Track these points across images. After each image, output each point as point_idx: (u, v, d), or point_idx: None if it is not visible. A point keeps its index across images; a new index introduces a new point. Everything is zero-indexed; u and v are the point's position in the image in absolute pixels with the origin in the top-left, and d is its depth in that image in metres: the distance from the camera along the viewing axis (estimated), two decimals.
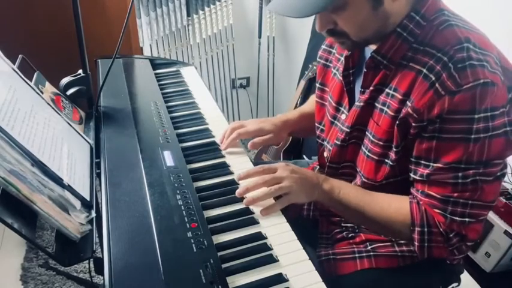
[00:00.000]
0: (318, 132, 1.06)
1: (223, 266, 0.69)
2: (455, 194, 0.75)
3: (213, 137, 1.08)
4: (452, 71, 0.70)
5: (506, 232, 1.52)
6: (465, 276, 1.00)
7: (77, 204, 0.76)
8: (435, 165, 0.75)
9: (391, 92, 0.79)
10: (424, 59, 0.75)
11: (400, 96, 0.77)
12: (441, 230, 0.77)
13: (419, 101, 0.73)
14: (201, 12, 2.26)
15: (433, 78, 0.72)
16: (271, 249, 0.74)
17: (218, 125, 1.12)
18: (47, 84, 1.04)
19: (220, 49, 2.44)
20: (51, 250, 0.69)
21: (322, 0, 0.70)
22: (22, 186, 0.68)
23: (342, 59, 0.92)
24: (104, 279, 0.65)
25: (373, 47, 0.84)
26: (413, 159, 0.79)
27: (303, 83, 2.13)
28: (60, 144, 0.84)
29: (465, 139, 0.71)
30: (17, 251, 1.76)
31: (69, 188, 0.76)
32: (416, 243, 0.79)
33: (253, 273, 0.69)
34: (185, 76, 1.43)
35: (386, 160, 0.83)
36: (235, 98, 2.64)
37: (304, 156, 2.20)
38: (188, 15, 2.25)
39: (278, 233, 0.78)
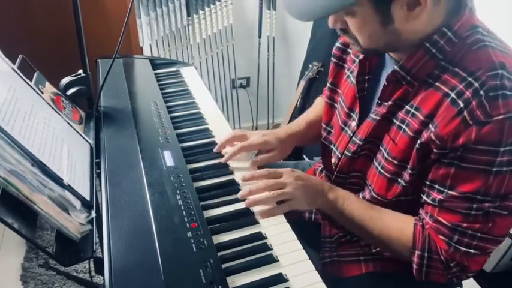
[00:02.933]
0: (324, 133, 1.02)
1: (223, 266, 0.69)
2: (465, 224, 0.72)
3: (213, 137, 1.08)
4: (483, 100, 0.66)
5: None
6: None
7: (77, 204, 0.76)
8: (450, 192, 0.72)
9: (411, 110, 0.75)
10: (452, 81, 0.70)
11: (422, 117, 0.73)
12: (442, 257, 0.75)
13: (444, 127, 0.69)
14: (201, 12, 2.26)
15: (462, 105, 0.67)
16: (271, 249, 0.74)
17: (218, 125, 1.12)
18: (47, 84, 1.04)
19: (220, 49, 2.44)
20: (51, 250, 0.69)
21: (328, 6, 0.67)
22: (22, 186, 0.68)
23: (358, 61, 0.88)
24: (104, 279, 0.65)
25: (394, 55, 0.81)
26: (428, 182, 0.75)
27: (303, 83, 2.13)
28: (60, 144, 0.84)
29: (486, 171, 0.68)
30: (17, 251, 1.76)
31: (69, 188, 0.76)
32: (414, 266, 0.78)
33: (253, 273, 0.69)
34: (185, 76, 1.42)
35: (399, 180, 0.80)
36: (235, 98, 2.63)
37: (305, 157, 2.20)
38: (188, 15, 2.25)
39: (278, 233, 0.78)
